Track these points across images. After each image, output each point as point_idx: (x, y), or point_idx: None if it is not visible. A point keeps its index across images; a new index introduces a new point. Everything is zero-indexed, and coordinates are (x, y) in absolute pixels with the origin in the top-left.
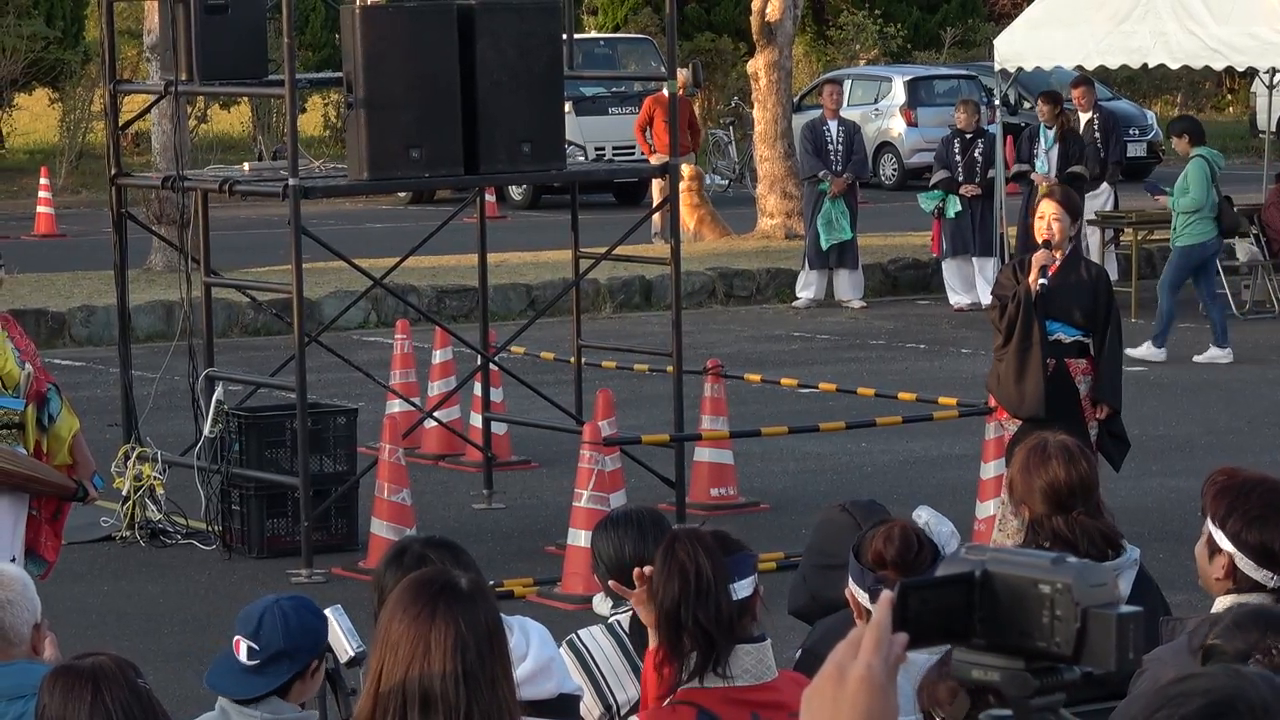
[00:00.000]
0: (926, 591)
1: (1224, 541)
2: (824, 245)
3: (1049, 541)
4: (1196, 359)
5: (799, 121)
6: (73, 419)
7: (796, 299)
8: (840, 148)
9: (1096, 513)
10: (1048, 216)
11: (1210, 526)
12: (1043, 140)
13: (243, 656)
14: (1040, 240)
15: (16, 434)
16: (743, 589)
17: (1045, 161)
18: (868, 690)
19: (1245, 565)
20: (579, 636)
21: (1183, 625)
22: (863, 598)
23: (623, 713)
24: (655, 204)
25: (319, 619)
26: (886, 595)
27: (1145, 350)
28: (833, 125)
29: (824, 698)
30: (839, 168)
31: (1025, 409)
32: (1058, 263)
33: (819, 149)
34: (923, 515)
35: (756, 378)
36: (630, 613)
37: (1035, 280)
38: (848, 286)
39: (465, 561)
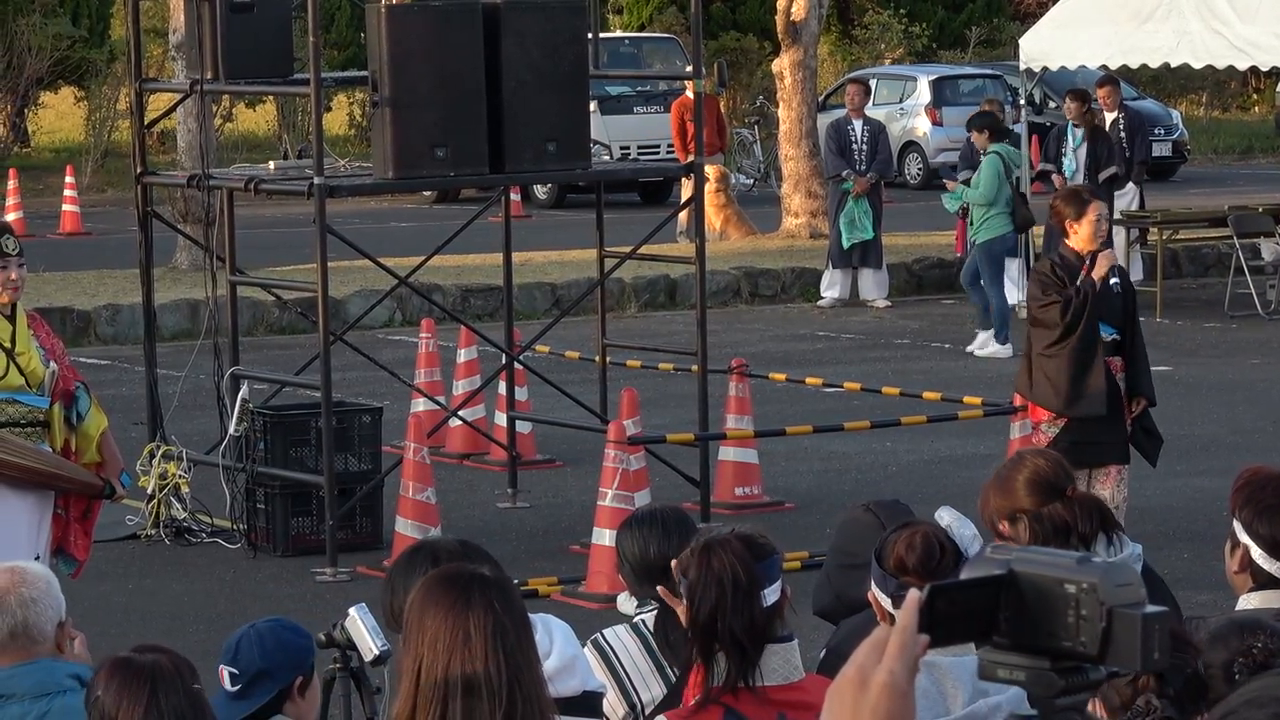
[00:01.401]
0: (955, 594)
1: (1240, 533)
2: (845, 244)
3: (1052, 531)
4: (972, 349)
5: (824, 121)
6: (101, 417)
7: (821, 298)
8: (865, 147)
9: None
10: (1101, 218)
11: (1233, 520)
12: (1070, 139)
13: (226, 684)
14: (1100, 242)
15: (41, 432)
16: (772, 594)
17: (1073, 160)
18: (889, 696)
19: (1259, 557)
20: (604, 635)
21: (1206, 624)
22: (885, 601)
23: (647, 712)
24: (681, 203)
25: (299, 636)
26: (913, 597)
27: (991, 349)
28: (857, 124)
29: (845, 700)
30: (863, 167)
31: (1084, 406)
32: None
33: (843, 148)
34: (945, 517)
35: (781, 377)
36: (655, 612)
37: (1101, 277)
38: (872, 286)
39: (488, 560)
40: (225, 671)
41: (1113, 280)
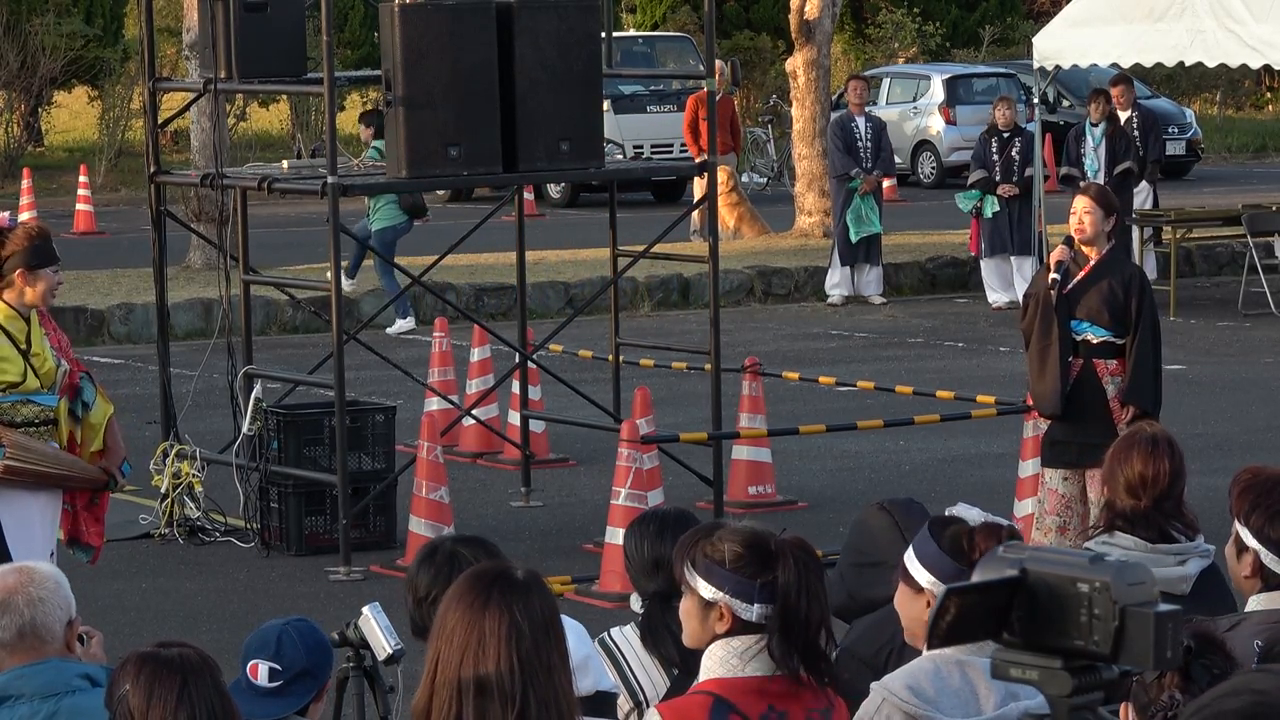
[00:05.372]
0: (971, 595)
1: (1249, 539)
2: (853, 238)
3: (1119, 520)
4: (389, 330)
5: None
6: (107, 405)
7: (829, 295)
8: (869, 144)
9: (1175, 509)
10: (1079, 211)
11: (1237, 525)
12: (1090, 138)
13: (263, 680)
14: (1070, 233)
15: (51, 430)
16: None
17: (1095, 160)
18: None
19: (1270, 561)
20: (609, 635)
21: (1217, 625)
22: (921, 577)
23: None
24: (694, 202)
25: (326, 640)
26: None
27: (398, 326)
28: (860, 121)
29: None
30: (869, 164)
31: (1043, 407)
32: (1091, 262)
33: (849, 146)
34: (970, 514)
35: (794, 376)
36: (646, 609)
37: (1049, 276)
38: (873, 282)
39: (497, 557)
40: (264, 667)
41: (1053, 276)
